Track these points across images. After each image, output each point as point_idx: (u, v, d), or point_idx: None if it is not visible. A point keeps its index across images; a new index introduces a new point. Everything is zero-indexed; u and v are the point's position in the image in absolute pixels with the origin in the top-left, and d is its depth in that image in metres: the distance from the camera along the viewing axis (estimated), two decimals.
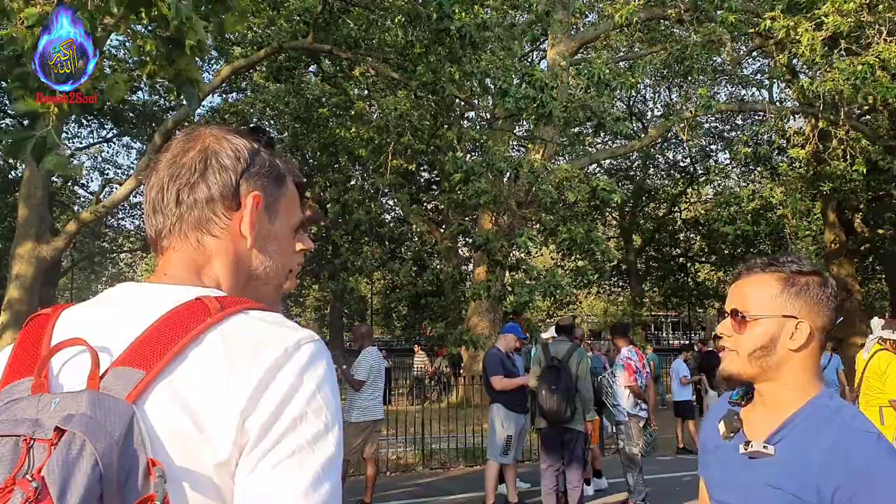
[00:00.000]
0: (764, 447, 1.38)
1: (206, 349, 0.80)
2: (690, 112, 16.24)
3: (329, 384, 0.84)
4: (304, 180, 1.32)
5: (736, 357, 1.43)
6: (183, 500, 0.77)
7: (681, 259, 29.89)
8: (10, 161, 20.58)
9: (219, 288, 0.93)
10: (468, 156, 14.17)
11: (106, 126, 23.09)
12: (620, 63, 17.25)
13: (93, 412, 0.72)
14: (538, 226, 13.78)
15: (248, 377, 0.79)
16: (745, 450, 1.40)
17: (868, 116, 19.45)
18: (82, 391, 0.75)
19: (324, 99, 16.65)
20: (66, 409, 0.73)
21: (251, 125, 1.05)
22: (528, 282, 11.65)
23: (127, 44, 14.96)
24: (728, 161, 26.60)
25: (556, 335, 6.97)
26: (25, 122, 3.20)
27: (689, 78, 18.60)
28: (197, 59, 4.18)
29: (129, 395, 0.76)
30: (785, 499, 1.32)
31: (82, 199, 24.46)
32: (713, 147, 26.84)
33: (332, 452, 0.81)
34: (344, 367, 6.95)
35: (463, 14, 9.94)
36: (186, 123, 14.00)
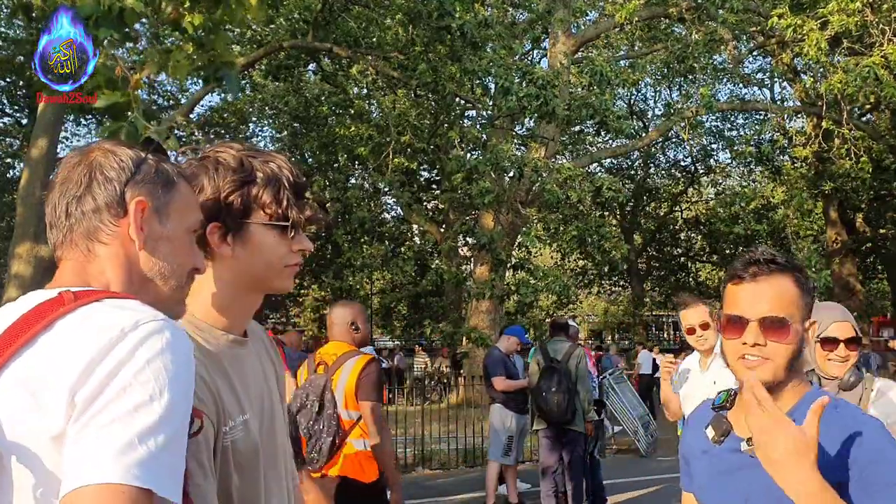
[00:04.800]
0: None
1: (55, 335, 0.89)
2: (691, 111, 16.20)
3: (166, 357, 0.88)
4: (303, 180, 1.32)
5: (771, 365, 1.35)
6: (21, 473, 0.85)
7: (682, 258, 29.86)
8: (9, 160, 20.54)
9: (107, 290, 0.99)
10: (469, 155, 14.13)
11: (105, 125, 23.00)
12: (621, 62, 17.20)
13: None
14: (540, 224, 13.73)
15: (83, 356, 0.86)
16: (748, 447, 1.32)
17: (870, 115, 19.42)
18: None
19: (323, 98, 16.60)
20: None
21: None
22: (532, 282, 11.61)
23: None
24: (729, 160, 26.55)
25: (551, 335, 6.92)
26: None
27: (690, 77, 18.54)
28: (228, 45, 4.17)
29: None
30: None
31: None
32: (714, 146, 26.80)
33: (155, 421, 0.84)
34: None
35: (464, 12, 9.91)
36: (185, 122, 13.95)
